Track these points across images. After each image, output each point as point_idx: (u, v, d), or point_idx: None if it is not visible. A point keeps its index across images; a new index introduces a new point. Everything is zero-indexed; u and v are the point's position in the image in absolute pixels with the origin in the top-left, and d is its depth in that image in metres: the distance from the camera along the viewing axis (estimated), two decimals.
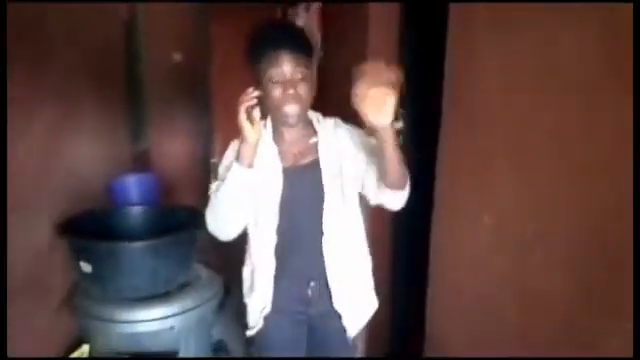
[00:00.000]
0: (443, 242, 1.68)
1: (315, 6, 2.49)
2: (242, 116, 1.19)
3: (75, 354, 1.72)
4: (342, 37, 2.30)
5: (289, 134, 1.37)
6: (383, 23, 2.02)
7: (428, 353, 1.80)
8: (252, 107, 1.19)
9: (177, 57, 3.06)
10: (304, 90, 1.26)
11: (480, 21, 1.43)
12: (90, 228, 1.69)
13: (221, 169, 1.38)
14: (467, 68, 1.50)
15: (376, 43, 2.01)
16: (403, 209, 1.33)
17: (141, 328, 1.64)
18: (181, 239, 1.73)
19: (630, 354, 0.96)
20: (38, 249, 1.69)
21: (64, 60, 1.84)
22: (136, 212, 1.98)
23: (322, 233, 1.34)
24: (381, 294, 1.50)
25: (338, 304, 1.38)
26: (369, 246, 1.45)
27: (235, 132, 1.25)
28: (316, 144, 1.36)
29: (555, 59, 1.19)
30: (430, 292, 1.75)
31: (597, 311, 1.12)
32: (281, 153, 1.37)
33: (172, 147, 3.05)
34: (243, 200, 1.30)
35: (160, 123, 2.84)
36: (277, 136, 1.39)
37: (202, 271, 1.92)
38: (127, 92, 2.46)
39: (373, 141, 1.29)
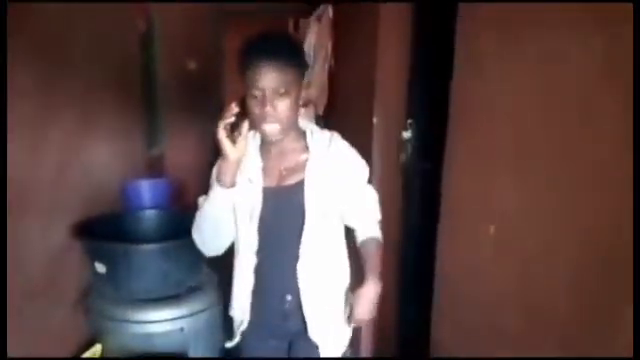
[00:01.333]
0: (448, 252, 1.70)
1: (327, 16, 2.53)
2: (221, 133, 1.14)
3: (88, 353, 1.77)
4: (353, 46, 2.34)
5: (276, 148, 1.28)
6: (393, 31, 2.04)
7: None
8: (234, 124, 1.15)
9: (191, 65, 3.13)
10: (285, 106, 1.17)
11: (486, 34, 1.46)
12: (105, 230, 1.74)
13: (211, 181, 1.29)
14: (473, 80, 1.53)
15: (386, 53, 2.05)
16: (409, 219, 1.34)
17: (152, 329, 1.69)
18: (192, 242, 1.76)
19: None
20: (54, 250, 1.74)
21: (83, 68, 1.90)
22: (149, 216, 2.04)
23: (298, 258, 1.28)
24: (388, 303, 1.50)
25: (313, 334, 1.32)
26: None
27: None
28: (305, 162, 1.27)
29: (559, 69, 1.20)
30: (436, 301, 1.76)
31: (598, 322, 1.12)
32: (266, 169, 1.29)
33: (186, 153, 3.11)
34: (226, 219, 1.26)
35: (174, 129, 2.91)
36: (264, 149, 1.31)
37: (211, 275, 1.96)
38: (143, 99, 2.52)
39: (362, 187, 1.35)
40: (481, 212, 1.51)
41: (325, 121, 2.54)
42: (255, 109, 1.16)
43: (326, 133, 1.32)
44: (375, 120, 2.07)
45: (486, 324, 1.49)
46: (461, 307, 1.63)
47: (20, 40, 1.45)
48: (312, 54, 2.58)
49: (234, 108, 1.14)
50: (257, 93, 1.15)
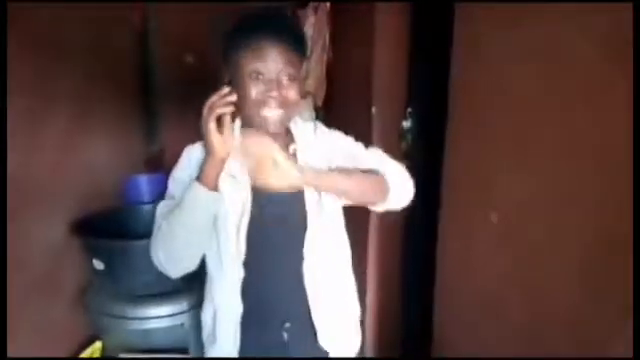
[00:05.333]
0: (450, 241, 1.68)
1: (324, 6, 2.50)
2: (211, 125, 0.97)
3: (88, 350, 1.76)
4: (350, 36, 2.31)
5: None
6: (391, 19, 2.02)
7: (436, 354, 1.80)
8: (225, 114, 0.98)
9: (189, 59, 3.09)
10: (292, 94, 1.03)
11: (485, 20, 1.43)
12: (103, 227, 1.72)
13: (172, 184, 1.13)
14: (473, 67, 1.50)
15: (384, 41, 2.02)
16: (411, 208, 1.27)
17: (152, 325, 1.67)
18: None
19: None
20: (53, 247, 1.73)
21: (79, 63, 1.88)
22: (148, 211, 2.02)
23: (302, 259, 1.11)
24: (391, 296, 1.48)
25: (324, 342, 1.16)
26: (378, 248, 1.32)
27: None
28: (295, 154, 1.12)
29: (560, 52, 1.18)
30: (437, 292, 1.75)
31: (603, 310, 1.11)
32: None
33: (185, 148, 3.08)
34: (204, 228, 1.05)
35: (173, 124, 2.88)
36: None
37: None
38: (140, 94, 2.50)
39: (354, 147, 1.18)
40: (483, 200, 1.49)
41: (324, 112, 2.52)
42: (256, 91, 1.01)
43: (309, 123, 1.20)
44: (374, 110, 2.05)
45: (489, 313, 1.48)
46: (464, 296, 1.61)
47: (14, 35, 1.42)
48: (310, 45, 2.55)
49: (228, 95, 0.98)
50: (261, 74, 1.00)
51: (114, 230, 1.75)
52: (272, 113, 1.02)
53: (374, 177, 1.11)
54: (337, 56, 2.45)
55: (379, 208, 1.18)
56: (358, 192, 1.10)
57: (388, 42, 2.01)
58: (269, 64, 1.00)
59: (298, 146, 1.14)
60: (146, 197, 2.10)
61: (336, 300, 1.18)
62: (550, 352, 1.24)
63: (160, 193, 2.13)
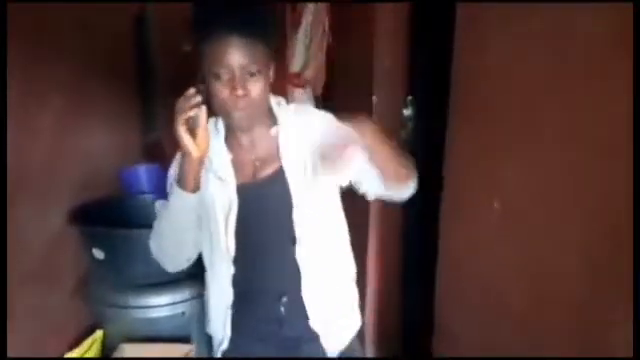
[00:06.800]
0: (453, 229, 1.68)
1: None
2: (181, 129, 0.95)
3: (89, 340, 1.75)
4: (350, 24, 2.29)
5: (247, 136, 1.11)
6: (391, 6, 2.00)
7: (438, 343, 1.80)
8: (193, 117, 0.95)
9: (187, 48, 3.06)
10: (258, 89, 0.99)
11: (487, 7, 1.42)
12: (102, 216, 1.71)
13: (169, 181, 1.14)
14: (474, 54, 1.49)
15: (384, 29, 2.00)
16: (412, 198, 1.26)
17: (152, 314, 1.67)
18: None
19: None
20: (52, 236, 1.72)
21: (76, 52, 1.86)
22: (146, 200, 2.01)
23: (294, 242, 1.10)
24: (391, 291, 1.47)
25: (315, 324, 1.15)
26: (379, 237, 1.32)
27: None
28: (277, 135, 1.10)
29: (564, 39, 1.17)
30: (439, 280, 1.75)
31: (607, 298, 1.10)
32: (236, 164, 1.11)
33: None
34: (190, 228, 1.08)
35: (171, 114, 2.87)
36: (232, 141, 1.12)
37: None
38: (138, 83, 2.48)
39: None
40: (486, 188, 1.48)
41: (324, 101, 2.50)
42: (220, 93, 0.98)
43: (291, 105, 1.17)
44: (375, 99, 2.04)
45: (491, 302, 1.48)
46: (466, 285, 1.61)
47: (10, 20, 1.40)
48: (309, 33, 2.53)
49: (194, 96, 0.94)
50: (222, 72, 0.96)
51: (112, 219, 1.74)
52: (240, 115, 1.00)
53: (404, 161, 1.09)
54: (337, 44, 2.42)
55: (403, 193, 1.14)
56: (388, 162, 1.05)
57: (388, 29, 1.99)
58: (230, 60, 0.95)
59: (280, 127, 1.11)
60: (144, 187, 2.09)
61: (330, 281, 1.18)
62: (552, 340, 1.24)
63: (158, 182, 2.15)
